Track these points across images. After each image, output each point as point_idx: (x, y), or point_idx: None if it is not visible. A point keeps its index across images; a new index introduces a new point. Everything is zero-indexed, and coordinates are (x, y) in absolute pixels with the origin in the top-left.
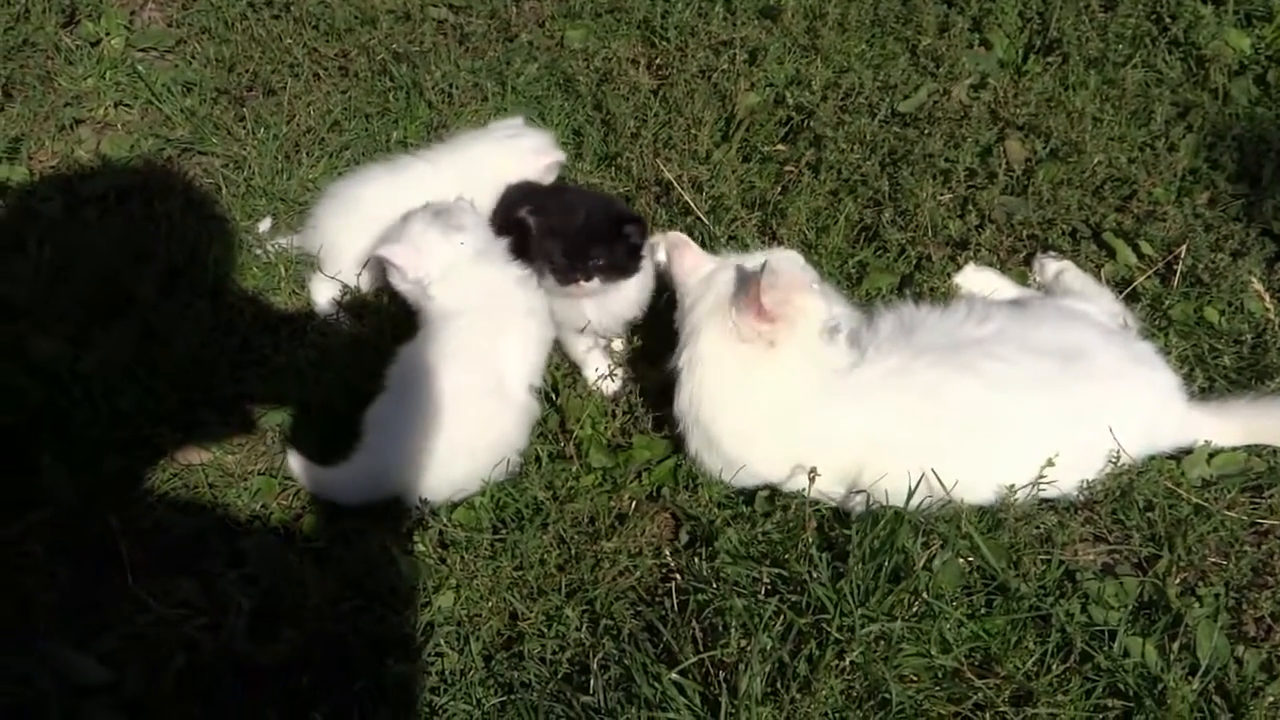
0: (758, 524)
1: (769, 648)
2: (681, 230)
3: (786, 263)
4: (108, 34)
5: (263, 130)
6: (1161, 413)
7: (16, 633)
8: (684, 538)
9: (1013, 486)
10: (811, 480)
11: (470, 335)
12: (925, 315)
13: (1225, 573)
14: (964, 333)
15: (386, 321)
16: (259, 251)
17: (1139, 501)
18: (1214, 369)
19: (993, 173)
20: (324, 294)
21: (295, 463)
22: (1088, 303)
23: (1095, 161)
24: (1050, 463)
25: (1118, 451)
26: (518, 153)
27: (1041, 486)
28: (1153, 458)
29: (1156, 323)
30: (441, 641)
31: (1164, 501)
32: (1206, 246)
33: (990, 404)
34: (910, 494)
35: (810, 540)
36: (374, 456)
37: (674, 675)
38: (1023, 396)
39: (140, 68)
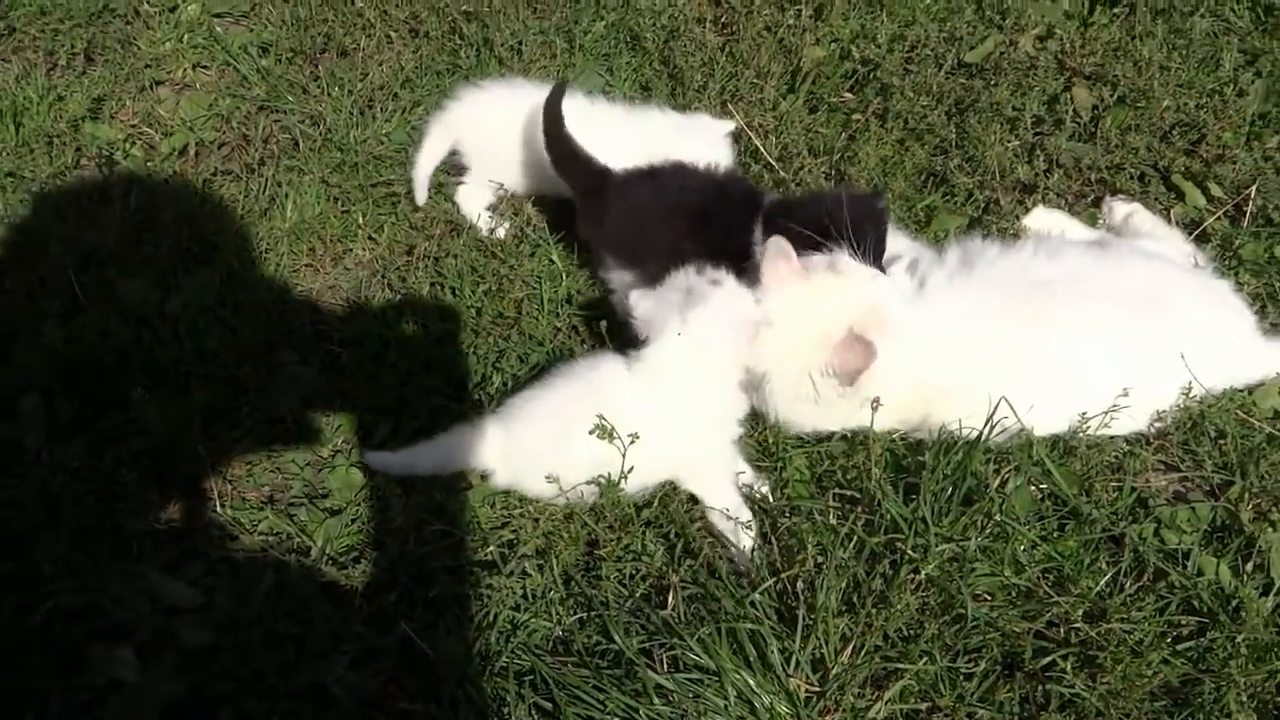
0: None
1: (845, 561)
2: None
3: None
4: (184, 0)
5: (337, 88)
6: (1238, 351)
7: (110, 559)
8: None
9: (1085, 414)
10: (875, 410)
11: None
12: (993, 250)
13: None
14: (1035, 271)
15: (465, 266)
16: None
17: (1210, 431)
18: None
19: (1060, 119)
20: (472, 202)
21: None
22: (1160, 243)
23: (1163, 107)
24: (1125, 393)
25: (1190, 384)
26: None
27: (1114, 418)
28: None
29: (1227, 262)
30: (527, 566)
31: (1236, 431)
32: (1276, 188)
33: (1064, 352)
34: (988, 421)
35: (880, 462)
36: None
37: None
38: (1098, 344)
39: (217, 29)
